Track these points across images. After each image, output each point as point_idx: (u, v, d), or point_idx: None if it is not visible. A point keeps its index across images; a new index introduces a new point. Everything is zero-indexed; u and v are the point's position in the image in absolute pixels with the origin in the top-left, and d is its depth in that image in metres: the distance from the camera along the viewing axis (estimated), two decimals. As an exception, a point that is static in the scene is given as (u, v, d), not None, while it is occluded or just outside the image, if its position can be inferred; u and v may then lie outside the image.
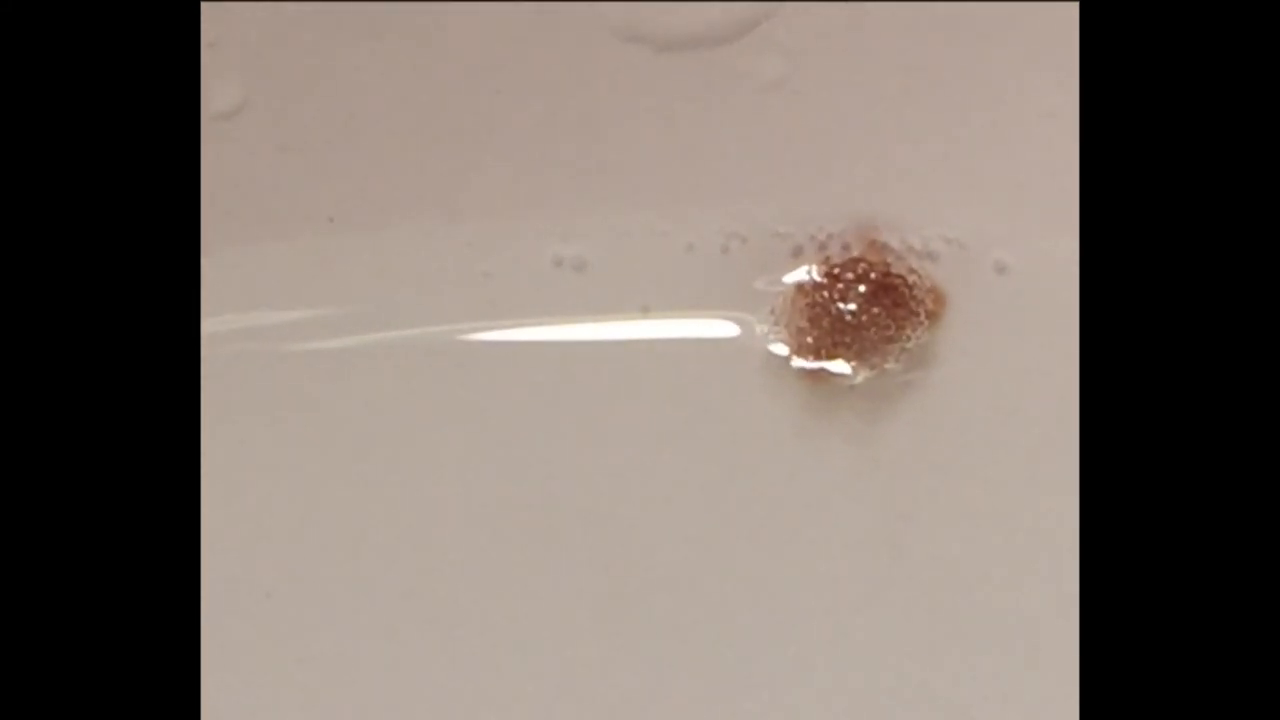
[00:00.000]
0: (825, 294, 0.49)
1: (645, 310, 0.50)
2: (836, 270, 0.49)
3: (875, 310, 0.49)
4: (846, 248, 0.50)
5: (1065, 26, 0.48)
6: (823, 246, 0.50)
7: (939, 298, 0.50)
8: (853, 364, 0.49)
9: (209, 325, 0.50)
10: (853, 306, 0.49)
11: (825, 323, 0.49)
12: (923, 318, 0.49)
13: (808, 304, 0.49)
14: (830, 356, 0.49)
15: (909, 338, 0.49)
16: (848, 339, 0.49)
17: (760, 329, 0.50)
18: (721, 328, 0.50)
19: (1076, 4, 0.44)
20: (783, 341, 0.50)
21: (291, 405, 0.50)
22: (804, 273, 0.50)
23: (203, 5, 0.48)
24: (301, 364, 0.50)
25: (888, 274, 0.49)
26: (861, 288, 0.49)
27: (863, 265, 0.49)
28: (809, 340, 0.49)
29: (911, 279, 0.49)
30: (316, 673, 0.49)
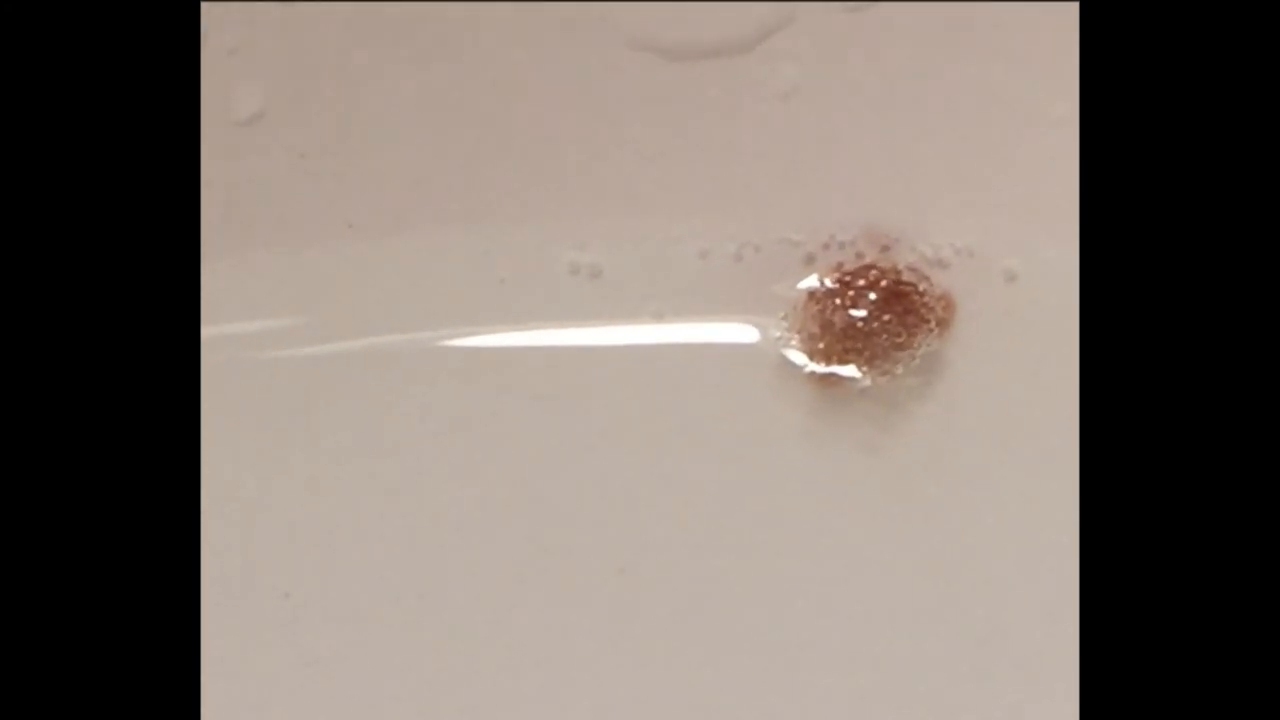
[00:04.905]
0: (837, 301, 0.50)
1: (659, 317, 0.51)
2: (848, 277, 0.50)
3: (886, 317, 0.49)
4: (859, 255, 0.50)
5: (1074, 35, 0.48)
6: (835, 254, 0.50)
7: (949, 305, 0.50)
8: (863, 370, 0.50)
9: (225, 330, 0.51)
10: (864, 313, 0.49)
11: (836, 329, 0.50)
12: (933, 325, 0.50)
13: (819, 310, 0.50)
14: (841, 363, 0.50)
15: (919, 345, 0.50)
16: (858, 345, 0.49)
17: (772, 335, 0.50)
18: (733, 334, 0.51)
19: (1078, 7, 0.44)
20: (794, 348, 0.50)
21: (306, 408, 0.50)
22: (816, 280, 0.50)
23: (223, 12, 0.48)
24: (318, 367, 0.51)
25: (899, 281, 0.50)
26: (872, 295, 0.50)
27: (874, 272, 0.50)
28: (820, 347, 0.50)
29: (922, 286, 0.50)
30: (327, 673, 0.49)
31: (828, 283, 0.50)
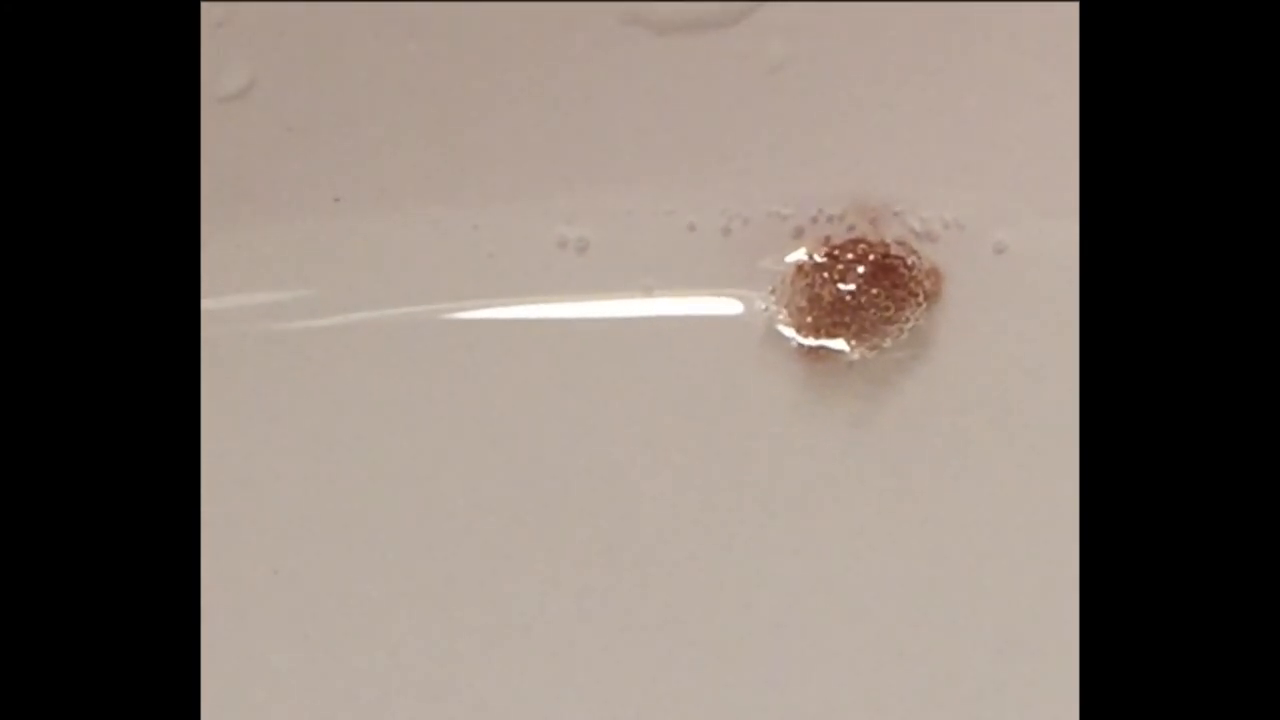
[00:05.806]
0: (825, 274, 0.50)
1: (647, 290, 0.51)
2: (836, 251, 0.50)
3: (874, 291, 0.49)
4: (848, 229, 0.50)
5: (1066, 10, 0.48)
6: (823, 228, 0.50)
7: (938, 279, 0.50)
8: (851, 344, 0.50)
9: (215, 304, 0.51)
10: (852, 287, 0.49)
11: (825, 303, 0.50)
12: (921, 298, 0.50)
13: (807, 284, 0.50)
14: (829, 336, 0.50)
15: (907, 318, 0.50)
16: (847, 319, 0.49)
17: (760, 309, 0.50)
18: (722, 307, 0.51)
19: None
20: (782, 321, 0.50)
21: (296, 382, 0.51)
22: (804, 253, 0.50)
23: (210, -12, 0.48)
24: (307, 342, 0.51)
25: (887, 255, 0.50)
26: (861, 268, 0.50)
27: (862, 246, 0.50)
28: (808, 320, 0.50)
29: (910, 260, 0.50)
30: (320, 649, 0.49)
31: (816, 256, 0.50)
